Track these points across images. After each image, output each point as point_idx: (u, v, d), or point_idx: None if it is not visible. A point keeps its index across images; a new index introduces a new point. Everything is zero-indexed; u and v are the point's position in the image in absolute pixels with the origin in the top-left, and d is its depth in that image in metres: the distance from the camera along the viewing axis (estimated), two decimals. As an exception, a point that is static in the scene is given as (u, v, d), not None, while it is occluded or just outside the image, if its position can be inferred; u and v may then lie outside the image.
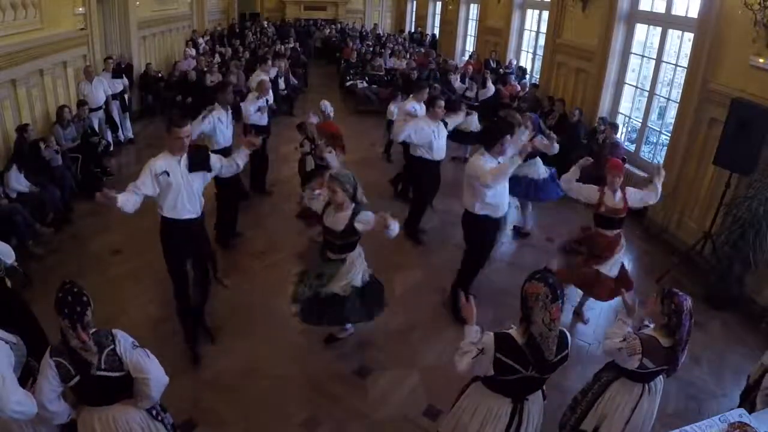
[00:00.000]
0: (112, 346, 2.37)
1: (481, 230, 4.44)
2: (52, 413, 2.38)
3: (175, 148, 3.60)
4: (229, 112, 5.62)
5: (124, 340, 2.43)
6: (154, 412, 2.60)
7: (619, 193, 4.34)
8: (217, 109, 5.43)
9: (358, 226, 3.61)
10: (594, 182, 4.54)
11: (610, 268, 4.47)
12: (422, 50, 14.61)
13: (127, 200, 3.44)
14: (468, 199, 4.37)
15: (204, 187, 3.87)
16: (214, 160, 3.89)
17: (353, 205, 3.64)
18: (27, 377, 2.53)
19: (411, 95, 6.70)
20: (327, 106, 6.00)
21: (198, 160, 3.74)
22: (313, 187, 3.83)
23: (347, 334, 4.32)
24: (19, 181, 5.72)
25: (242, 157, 4.05)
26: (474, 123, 6.67)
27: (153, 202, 3.96)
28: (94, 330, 2.38)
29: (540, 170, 5.97)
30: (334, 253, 3.79)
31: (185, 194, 3.68)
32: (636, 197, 4.36)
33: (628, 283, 4.40)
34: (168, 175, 3.57)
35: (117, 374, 2.39)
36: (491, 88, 8.59)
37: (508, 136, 4.23)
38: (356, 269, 3.79)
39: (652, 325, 2.85)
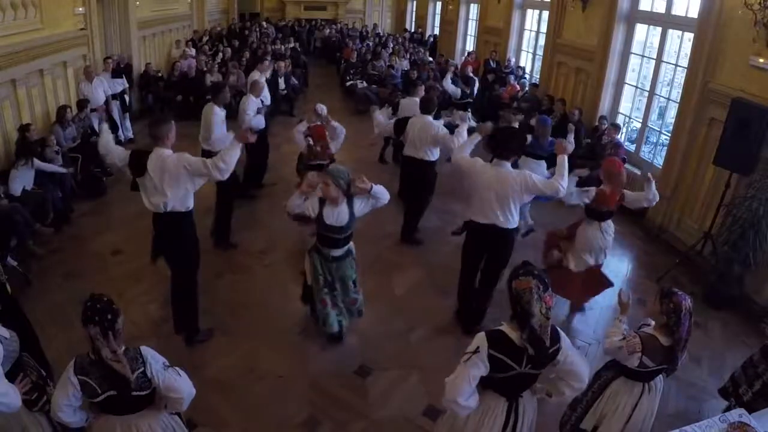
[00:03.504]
0: (141, 369, 2.34)
1: (467, 235, 4.37)
2: (67, 423, 2.39)
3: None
4: (224, 112, 5.60)
5: (154, 362, 2.38)
6: None
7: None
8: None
9: (367, 204, 3.73)
10: (596, 183, 4.58)
11: (575, 263, 4.54)
12: (421, 52, 14.59)
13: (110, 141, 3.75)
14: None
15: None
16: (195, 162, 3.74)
17: (346, 198, 3.73)
18: (17, 372, 2.54)
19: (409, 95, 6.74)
20: (323, 109, 6.02)
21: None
22: (302, 191, 3.82)
23: None
24: (26, 177, 5.76)
25: (230, 155, 3.75)
26: (468, 119, 6.65)
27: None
28: (124, 348, 2.35)
29: (544, 173, 5.95)
30: (339, 249, 3.86)
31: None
32: (630, 198, 4.42)
33: (594, 287, 4.59)
34: None
35: (145, 393, 2.39)
36: (474, 80, 8.50)
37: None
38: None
39: (652, 324, 2.85)
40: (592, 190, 4.39)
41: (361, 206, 3.73)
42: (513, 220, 4.08)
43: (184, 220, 3.84)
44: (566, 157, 4.04)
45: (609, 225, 4.55)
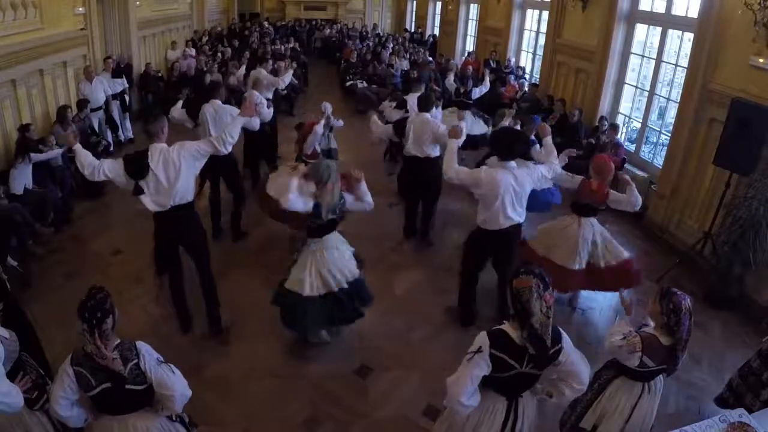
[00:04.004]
0: (135, 361, 2.34)
1: (472, 239, 4.41)
2: (64, 418, 2.40)
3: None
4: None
5: (148, 356, 2.39)
6: (173, 416, 2.60)
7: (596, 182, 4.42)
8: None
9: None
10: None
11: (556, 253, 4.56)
12: (421, 52, 14.58)
13: (87, 156, 3.64)
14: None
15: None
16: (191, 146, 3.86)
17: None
18: (17, 371, 2.54)
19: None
20: (327, 107, 6.05)
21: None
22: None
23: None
24: (26, 175, 5.76)
25: (235, 128, 3.96)
26: (480, 125, 6.57)
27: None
28: (118, 342, 2.36)
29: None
30: (312, 237, 3.91)
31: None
32: (614, 198, 4.41)
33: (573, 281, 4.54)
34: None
35: (140, 387, 2.38)
36: (487, 84, 8.36)
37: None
38: (335, 254, 3.91)
39: (652, 324, 2.85)
40: (579, 177, 4.44)
41: None
42: (524, 214, 4.23)
43: (191, 210, 3.97)
44: (550, 138, 4.32)
45: (590, 225, 4.50)
